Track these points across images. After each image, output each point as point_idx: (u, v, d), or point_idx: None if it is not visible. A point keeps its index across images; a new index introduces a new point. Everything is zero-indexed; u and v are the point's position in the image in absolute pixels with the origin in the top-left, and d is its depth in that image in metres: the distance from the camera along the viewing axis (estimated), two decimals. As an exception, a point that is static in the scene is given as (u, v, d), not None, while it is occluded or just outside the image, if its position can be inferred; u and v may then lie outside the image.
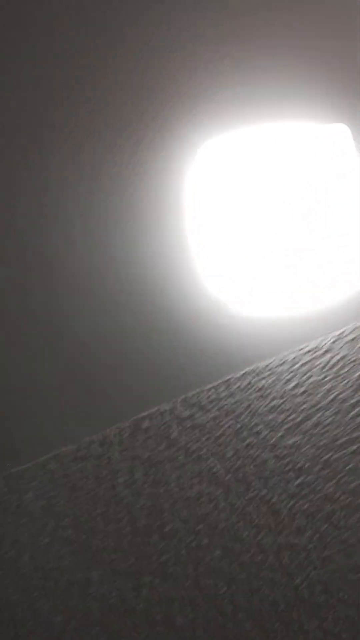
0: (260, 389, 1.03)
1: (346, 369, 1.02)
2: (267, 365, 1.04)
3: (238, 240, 1.03)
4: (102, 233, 1.03)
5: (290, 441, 1.00)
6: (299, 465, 0.99)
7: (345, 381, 1.02)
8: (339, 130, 1.04)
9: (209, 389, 1.03)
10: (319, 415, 1.01)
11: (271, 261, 1.02)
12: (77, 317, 1.03)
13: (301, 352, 1.04)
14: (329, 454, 0.99)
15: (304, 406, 1.02)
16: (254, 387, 1.03)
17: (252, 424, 1.01)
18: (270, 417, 1.01)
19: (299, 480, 0.99)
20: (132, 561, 0.99)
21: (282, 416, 1.01)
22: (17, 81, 1.02)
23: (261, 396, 1.02)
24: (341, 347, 1.03)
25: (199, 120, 1.03)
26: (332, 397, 1.01)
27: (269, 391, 1.02)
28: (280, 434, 1.01)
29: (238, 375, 1.04)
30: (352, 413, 1.01)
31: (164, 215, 1.03)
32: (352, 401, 1.01)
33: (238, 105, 1.04)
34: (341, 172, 1.03)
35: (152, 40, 1.04)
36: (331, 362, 1.03)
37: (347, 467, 0.99)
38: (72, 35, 1.03)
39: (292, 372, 1.03)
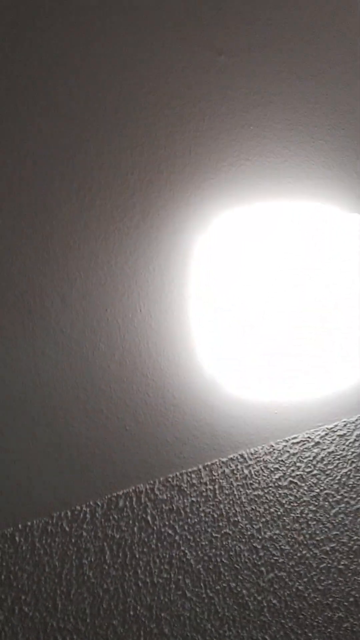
0: (244, 477, 0.97)
1: (333, 465, 0.99)
2: (254, 453, 0.98)
3: (239, 320, 0.96)
4: (100, 296, 0.91)
5: (268, 534, 0.97)
6: (273, 559, 0.96)
7: (331, 477, 0.99)
8: (356, 221, 0.99)
9: (192, 472, 0.97)
10: (300, 510, 0.98)
11: (270, 346, 0.96)
12: (60, 378, 0.93)
13: (290, 442, 0.99)
14: (305, 551, 0.97)
15: (287, 499, 0.98)
16: (239, 474, 0.97)
17: (231, 513, 0.96)
18: (251, 507, 0.97)
19: (270, 575, 0.96)
20: (89, 653, 0.92)
21: (263, 508, 0.97)
22: (26, 135, 0.88)
23: (244, 485, 0.97)
24: (331, 442, 1.00)
25: (215, 191, 0.94)
26: (316, 492, 0.98)
27: (253, 480, 0.97)
28: (258, 526, 0.97)
29: (224, 459, 0.98)
30: (334, 511, 0.98)
31: (168, 285, 0.93)
32: (336, 498, 0.98)
33: (256, 179, 0.95)
34: (351, 262, 0.98)
35: (170, 107, 0.93)
36: (319, 456, 0.99)
37: (321, 566, 0.97)
38: (85, 94, 0.90)
39: (279, 462, 0.98)
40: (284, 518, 0.97)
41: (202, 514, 0.96)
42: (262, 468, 0.98)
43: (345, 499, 0.98)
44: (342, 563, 0.97)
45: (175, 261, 0.96)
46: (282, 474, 0.98)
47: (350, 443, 1.00)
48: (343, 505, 0.98)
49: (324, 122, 0.98)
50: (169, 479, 0.96)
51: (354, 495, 0.99)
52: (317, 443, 0.99)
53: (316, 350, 0.97)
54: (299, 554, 0.96)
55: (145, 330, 0.96)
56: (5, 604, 0.89)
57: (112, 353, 0.95)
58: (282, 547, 0.96)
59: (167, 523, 0.95)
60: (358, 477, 0.99)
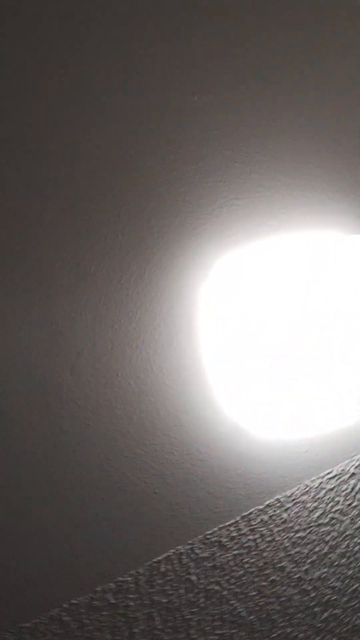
0: (284, 522, 0.95)
1: (372, 494, 0.96)
2: (290, 495, 0.96)
3: (254, 361, 0.93)
4: (109, 362, 0.89)
5: (317, 574, 0.94)
6: (325, 598, 0.94)
7: (372, 507, 0.96)
8: (357, 242, 0.95)
9: (229, 525, 0.94)
10: (345, 544, 0.95)
11: (289, 383, 0.93)
12: (82, 452, 0.90)
13: (325, 478, 0.97)
14: (357, 585, 0.94)
15: (330, 536, 0.95)
16: (278, 519, 0.95)
17: (276, 559, 0.94)
18: (295, 550, 0.94)
19: (325, 615, 0.94)
20: None
21: (308, 548, 0.95)
22: (21, 198, 0.84)
23: (285, 529, 0.95)
24: (366, 470, 0.97)
25: (209, 236, 0.90)
26: (359, 524, 0.95)
27: (293, 523, 0.95)
28: (305, 567, 0.94)
29: (260, 507, 0.95)
30: (379, 540, 0.96)
31: (176, 338, 0.90)
32: (379, 528, 0.96)
33: (249, 216, 0.92)
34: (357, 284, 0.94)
35: (150, 159, 0.89)
36: (357, 487, 0.96)
37: (375, 598, 0.94)
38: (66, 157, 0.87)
39: (316, 500, 0.96)
40: (331, 555, 0.94)
41: (247, 565, 0.94)
42: (301, 509, 0.95)
43: (390, 526, 0.96)
44: None
45: (180, 313, 0.93)
46: (321, 512, 0.95)
47: (386, 469, 0.97)
48: (388, 532, 0.96)
49: (311, 148, 0.94)
50: (208, 536, 0.94)
51: None
52: (353, 474, 0.96)
53: (335, 382, 0.94)
54: (351, 589, 0.94)
55: (159, 388, 0.93)
56: None
57: (129, 417, 0.92)
58: (333, 584, 0.94)
59: (212, 580, 0.93)
60: None
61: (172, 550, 0.92)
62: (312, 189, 0.93)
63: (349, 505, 0.95)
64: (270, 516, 0.95)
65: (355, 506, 0.95)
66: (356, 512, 0.95)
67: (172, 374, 0.91)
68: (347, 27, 0.89)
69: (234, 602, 0.93)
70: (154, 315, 0.90)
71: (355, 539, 0.95)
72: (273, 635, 0.93)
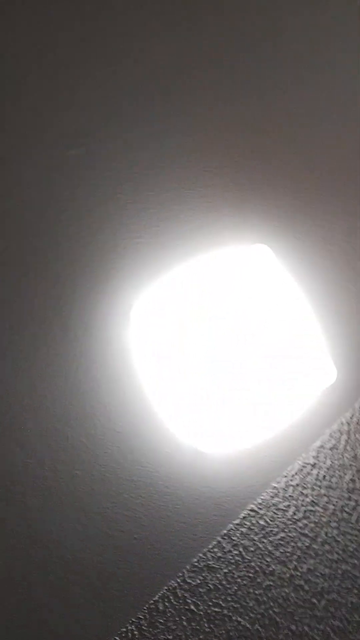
0: (262, 529, 0.98)
1: (336, 477, 1.01)
2: (262, 502, 0.99)
3: (193, 384, 0.95)
4: (56, 428, 0.89)
5: (305, 568, 0.98)
6: (319, 587, 0.98)
7: (340, 488, 1.01)
8: (262, 251, 0.99)
9: (212, 548, 0.97)
10: (324, 532, 0.99)
11: (229, 395, 0.96)
12: (52, 520, 0.90)
13: (290, 475, 1.00)
14: (344, 566, 0.99)
15: (308, 528, 0.99)
16: (256, 528, 0.98)
17: (264, 565, 0.97)
18: (280, 551, 0.98)
19: (323, 602, 0.98)
20: None
21: (291, 546, 0.98)
22: None
23: (265, 534, 0.98)
24: (325, 457, 1.01)
25: (120, 278, 0.92)
26: (331, 509, 1.00)
27: (271, 527, 0.98)
28: (293, 565, 0.98)
29: (237, 522, 0.98)
30: (354, 517, 1.00)
31: (115, 382, 0.91)
32: (351, 505, 1.00)
33: (155, 249, 0.94)
34: (271, 290, 0.98)
35: (51, 213, 0.90)
36: (320, 475, 1.01)
37: (363, 572, 0.99)
38: None
39: (287, 498, 0.99)
40: (314, 546, 0.98)
41: (239, 580, 0.96)
42: (275, 511, 0.99)
43: (359, 503, 1.01)
44: (380, 560, 0.99)
45: (114, 358, 0.94)
46: (295, 508, 0.99)
47: (341, 451, 1.01)
48: (359, 508, 1.00)
49: (194, 173, 0.97)
50: (195, 564, 0.96)
51: (366, 496, 1.01)
52: (314, 464, 1.00)
53: (276, 380, 0.97)
54: (340, 571, 0.98)
55: (112, 437, 0.94)
56: None
57: (91, 474, 0.93)
58: (323, 572, 0.98)
59: (211, 603, 0.95)
60: (362, 479, 1.01)
61: (165, 588, 0.94)
62: (206, 211, 0.96)
63: (318, 494, 0.99)
64: (249, 527, 0.98)
65: (323, 494, 1.00)
66: (325, 499, 1.00)
67: (120, 419, 0.92)
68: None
69: (236, 617, 0.95)
70: (88, 369, 0.91)
71: (332, 524, 0.99)
72: (280, 637, 0.96)
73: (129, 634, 0.92)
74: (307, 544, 0.98)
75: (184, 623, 0.94)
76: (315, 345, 1.00)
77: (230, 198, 0.99)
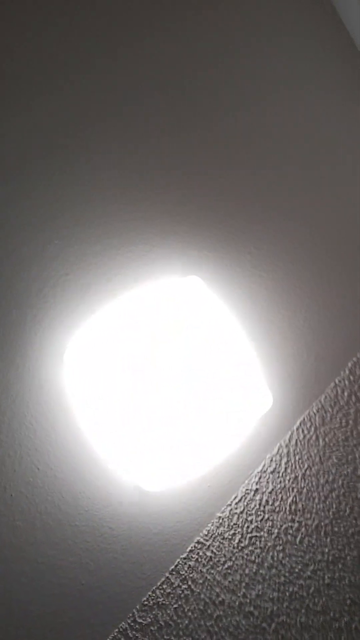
0: (209, 559, 0.98)
1: (278, 500, 1.02)
2: (207, 533, 0.99)
3: (131, 424, 0.95)
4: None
5: (254, 594, 0.99)
6: (268, 612, 0.99)
7: (282, 511, 1.02)
8: (193, 282, 0.99)
9: (161, 584, 0.96)
10: (270, 555, 1.01)
11: (167, 431, 0.96)
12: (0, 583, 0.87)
13: (233, 503, 1.01)
14: (291, 587, 1.01)
15: (255, 554, 1.00)
16: (203, 559, 0.98)
17: (214, 596, 0.98)
18: (228, 580, 0.99)
19: (273, 625, 0.99)
20: None
21: (239, 574, 0.99)
22: None
23: (212, 565, 0.98)
24: (267, 481, 1.03)
25: (48, 319, 0.90)
26: (275, 533, 1.01)
27: (218, 557, 0.99)
28: (242, 592, 0.99)
29: (184, 556, 0.98)
30: (298, 538, 1.02)
31: (54, 429, 0.89)
32: (294, 527, 1.02)
33: (89, 284, 0.93)
34: (205, 321, 0.99)
35: None
36: (264, 500, 1.02)
37: (310, 591, 1.01)
38: None
39: (232, 527, 1.00)
40: (261, 571, 0.99)
41: (190, 613, 0.96)
42: (221, 541, 0.99)
43: (303, 523, 1.02)
44: (326, 577, 1.02)
45: (49, 403, 0.92)
46: (240, 536, 1.00)
47: (282, 474, 1.03)
48: (303, 529, 1.02)
49: (118, 206, 0.96)
50: (145, 602, 0.95)
51: (308, 516, 1.03)
52: (256, 490, 1.02)
53: (214, 411, 0.98)
54: (288, 593, 1.00)
55: (52, 483, 0.92)
56: None
57: (32, 524, 0.90)
58: (271, 596, 0.99)
59: (163, 641, 0.95)
60: (303, 499, 1.03)
61: (116, 630, 0.93)
62: (134, 244, 0.95)
63: (261, 519, 1.01)
64: (196, 560, 0.98)
65: (267, 518, 1.01)
66: (269, 524, 1.01)
67: (60, 465, 0.90)
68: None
69: (189, 651, 0.95)
70: (23, 416, 0.89)
71: (277, 548, 1.01)
72: (234, 665, 0.97)
73: None
74: (254, 570, 1.00)
75: (138, 664, 0.93)
76: (250, 372, 1.01)
77: (157, 230, 0.99)
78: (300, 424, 1.06)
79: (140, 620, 0.95)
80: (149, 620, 0.95)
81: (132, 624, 0.95)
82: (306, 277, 1.08)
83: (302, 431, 1.06)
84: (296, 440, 1.05)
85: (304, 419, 1.06)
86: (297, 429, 1.06)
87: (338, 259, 1.11)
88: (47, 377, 0.92)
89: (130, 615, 0.94)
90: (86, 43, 0.93)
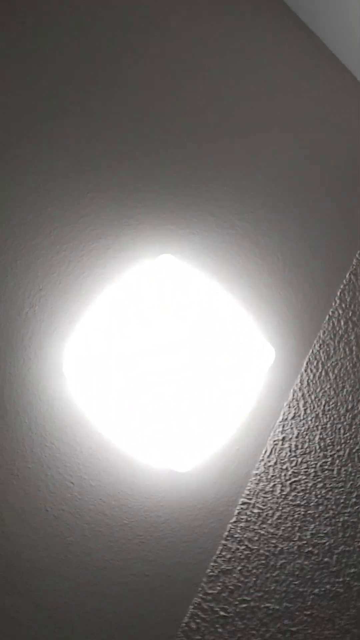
0: (258, 516, 1.02)
1: (307, 442, 1.05)
2: (249, 492, 1.02)
3: (141, 408, 0.96)
4: (35, 498, 0.88)
5: (309, 534, 1.03)
6: (327, 546, 1.03)
7: (313, 451, 1.05)
8: (166, 261, 0.99)
9: (220, 552, 1.00)
10: (313, 495, 1.04)
11: (179, 407, 0.97)
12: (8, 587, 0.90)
13: (265, 459, 1.04)
14: (341, 518, 1.04)
15: (299, 498, 1.04)
16: (252, 518, 1.01)
17: (272, 547, 1.01)
18: (281, 529, 1.02)
19: (335, 557, 1.03)
20: None
21: (289, 521, 1.02)
22: None
23: (263, 520, 1.02)
24: (292, 428, 1.05)
25: (36, 331, 0.90)
26: (312, 473, 1.04)
27: (265, 511, 1.02)
28: (297, 536, 1.02)
29: (233, 520, 1.01)
30: (335, 471, 1.05)
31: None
32: (328, 462, 1.05)
33: (62, 293, 0.93)
34: (189, 295, 0.99)
35: None
36: (292, 446, 1.05)
37: (360, 516, 1.05)
38: None
39: (269, 479, 1.03)
40: (309, 512, 1.02)
41: (255, 570, 1.00)
42: (264, 496, 1.02)
43: (335, 455, 1.05)
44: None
45: (61, 418, 0.93)
46: (281, 486, 1.03)
47: (303, 416, 1.05)
48: (337, 461, 1.05)
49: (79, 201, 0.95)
50: (210, 574, 0.99)
51: (338, 447, 1.06)
52: (283, 439, 1.04)
53: (220, 378, 0.99)
54: (340, 524, 1.03)
55: (90, 494, 0.94)
56: None
57: (83, 536, 0.93)
58: (325, 531, 1.02)
59: (237, 602, 0.98)
60: (329, 433, 1.05)
61: (191, 606, 0.96)
62: (95, 241, 0.94)
63: (296, 464, 1.03)
64: (246, 520, 1.01)
65: (301, 461, 1.04)
66: (305, 466, 1.04)
67: (91, 473, 0.92)
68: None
69: (263, 604, 0.99)
70: (43, 439, 0.90)
71: (318, 486, 1.04)
72: (308, 603, 1.01)
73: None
74: (302, 513, 1.03)
75: (220, 630, 0.97)
76: (246, 330, 1.02)
77: (114, 214, 0.98)
78: (307, 364, 1.08)
79: (210, 591, 0.98)
80: (219, 588, 0.99)
81: (203, 596, 0.98)
82: (273, 220, 1.08)
83: (311, 371, 1.08)
84: (307, 381, 1.07)
85: (309, 359, 1.08)
86: (305, 370, 1.08)
87: (297, 194, 1.10)
88: (55, 394, 0.92)
89: (200, 589, 0.98)
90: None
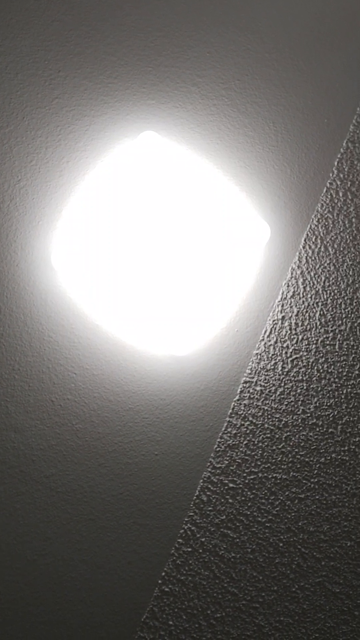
0: (261, 393, 1.03)
1: (307, 319, 1.04)
2: (250, 372, 1.03)
3: (139, 295, 0.95)
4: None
5: (312, 407, 1.05)
6: (331, 417, 1.05)
7: (314, 328, 1.04)
8: (149, 137, 0.94)
9: (226, 429, 1.02)
10: (315, 370, 1.05)
11: (176, 291, 0.96)
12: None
13: (265, 339, 1.04)
14: (344, 390, 1.05)
15: (300, 374, 1.04)
16: (255, 394, 1.03)
17: (276, 421, 1.04)
18: (284, 404, 1.04)
19: (339, 427, 1.05)
20: None
21: (292, 395, 1.04)
22: None
23: (266, 396, 1.03)
24: (291, 306, 1.04)
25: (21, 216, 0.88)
26: (314, 349, 1.04)
27: (268, 388, 1.03)
28: (300, 409, 1.04)
29: (237, 398, 1.03)
30: (337, 345, 1.05)
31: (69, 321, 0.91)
32: (330, 337, 1.05)
33: (48, 178, 0.89)
34: (176, 173, 0.95)
35: None
36: (292, 324, 1.04)
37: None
38: None
39: (270, 358, 1.04)
40: (312, 386, 1.03)
41: (260, 443, 1.03)
42: (265, 374, 1.03)
43: (337, 330, 1.05)
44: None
45: (57, 311, 0.93)
46: (282, 363, 1.03)
47: (302, 294, 1.03)
48: (339, 335, 1.05)
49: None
50: (217, 449, 1.02)
51: (339, 322, 1.05)
52: (283, 318, 1.03)
53: (217, 257, 0.97)
54: (343, 396, 1.04)
55: (93, 382, 0.95)
56: None
57: (90, 422, 0.95)
58: (328, 403, 1.04)
59: (245, 474, 1.02)
60: (330, 309, 1.04)
61: (201, 480, 1.00)
62: (74, 123, 0.90)
63: (297, 341, 1.03)
64: (249, 397, 1.02)
65: (302, 338, 1.03)
66: (306, 342, 1.04)
67: (93, 363, 0.93)
68: None
69: (271, 474, 1.03)
70: (40, 333, 0.90)
71: (320, 361, 1.04)
72: (315, 472, 1.05)
73: (188, 532, 1.00)
74: (305, 387, 1.04)
75: (230, 501, 1.02)
76: (239, 207, 0.98)
77: (90, 92, 0.92)
78: (305, 241, 1.05)
79: (218, 465, 1.02)
80: (227, 462, 1.02)
81: (212, 470, 1.02)
82: (262, 87, 1.01)
83: (309, 247, 1.05)
84: (306, 257, 1.05)
85: (307, 235, 1.04)
86: (304, 247, 1.04)
87: (286, 54, 1.02)
88: (47, 287, 0.91)
89: (208, 463, 1.01)
90: None
